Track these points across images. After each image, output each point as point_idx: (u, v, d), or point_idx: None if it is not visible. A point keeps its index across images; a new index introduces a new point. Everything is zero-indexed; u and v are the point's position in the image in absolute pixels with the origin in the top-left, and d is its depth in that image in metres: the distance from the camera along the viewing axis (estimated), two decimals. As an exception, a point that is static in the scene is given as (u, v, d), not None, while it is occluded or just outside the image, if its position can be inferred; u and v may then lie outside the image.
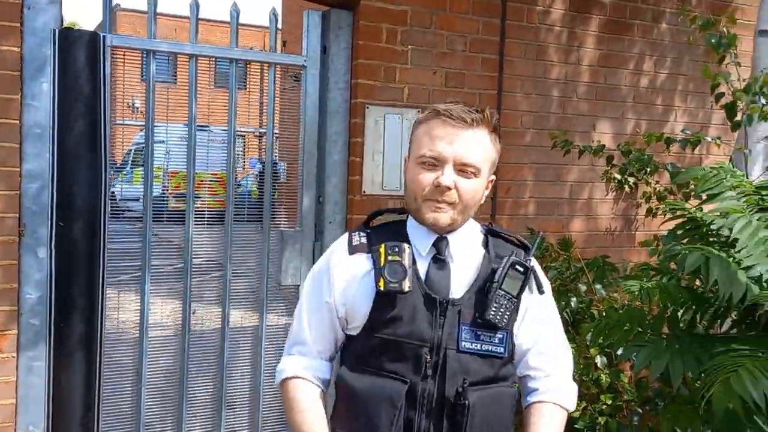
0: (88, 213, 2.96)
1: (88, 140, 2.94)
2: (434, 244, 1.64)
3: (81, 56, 2.91)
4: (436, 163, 1.57)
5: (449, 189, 1.57)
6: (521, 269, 1.60)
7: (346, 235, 1.73)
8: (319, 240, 3.45)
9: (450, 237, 1.65)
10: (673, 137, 3.55)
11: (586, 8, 3.89)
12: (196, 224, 3.27)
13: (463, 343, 1.57)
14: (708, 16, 3.52)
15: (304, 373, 1.70)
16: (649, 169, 3.45)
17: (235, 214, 3.33)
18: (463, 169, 1.57)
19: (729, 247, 2.11)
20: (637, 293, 2.15)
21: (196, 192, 3.27)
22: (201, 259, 3.40)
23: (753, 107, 2.96)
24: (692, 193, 3.15)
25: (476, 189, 1.61)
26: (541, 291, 1.66)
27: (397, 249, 1.58)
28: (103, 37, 2.95)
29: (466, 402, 1.54)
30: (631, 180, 3.80)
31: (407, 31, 3.45)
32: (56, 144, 2.89)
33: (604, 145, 3.56)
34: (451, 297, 1.59)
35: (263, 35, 3.34)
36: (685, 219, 2.38)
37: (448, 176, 1.56)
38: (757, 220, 2.03)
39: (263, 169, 3.46)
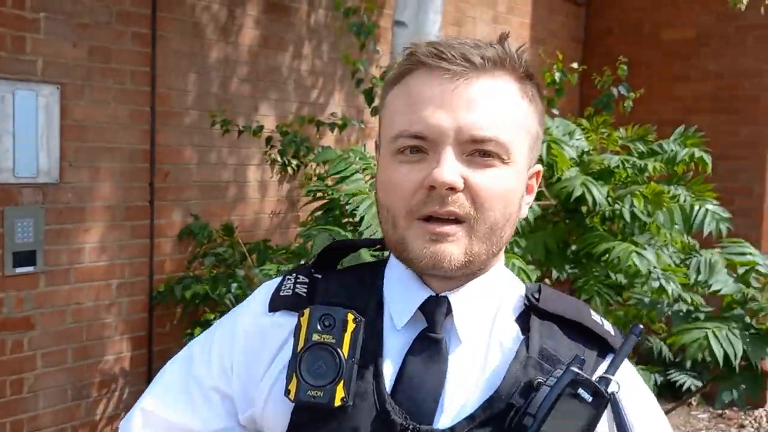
0: None
1: None
2: (422, 310, 0.90)
3: None
4: (423, 146, 0.85)
5: (454, 190, 0.83)
6: (588, 396, 0.82)
7: (277, 279, 0.99)
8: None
9: (456, 296, 0.89)
10: (323, 120, 3.58)
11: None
12: None
13: None
14: (357, 4, 3.60)
15: None
16: (302, 152, 3.44)
17: None
18: (477, 150, 0.84)
19: (358, 227, 2.13)
20: (274, 276, 2.07)
21: None
22: None
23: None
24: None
25: (508, 188, 0.86)
26: None
27: (328, 322, 0.87)
28: None
29: None
30: (294, 162, 3.77)
31: (38, -3, 2.99)
32: None
33: (262, 126, 3.46)
34: (435, 427, 0.84)
35: None
36: (327, 200, 2.36)
37: (449, 166, 0.83)
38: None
39: None
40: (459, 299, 0.89)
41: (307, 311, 0.88)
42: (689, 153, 2.50)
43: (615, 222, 2.44)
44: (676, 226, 2.29)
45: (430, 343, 0.88)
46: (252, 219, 3.83)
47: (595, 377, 0.84)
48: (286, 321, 0.92)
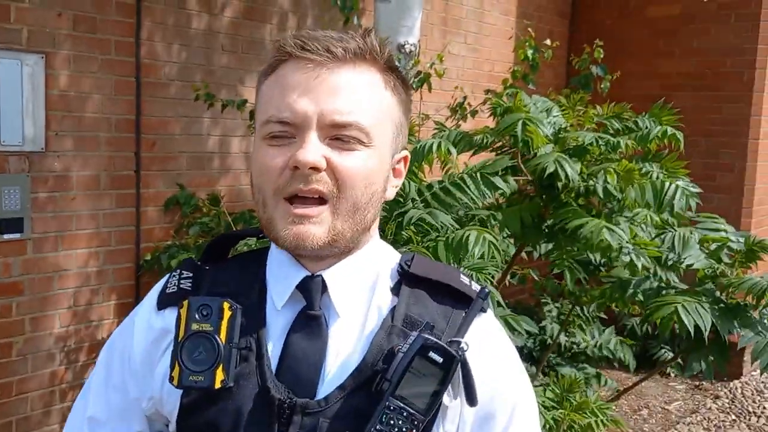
0: None
1: None
2: (299, 288, 0.93)
3: None
4: (288, 131, 0.88)
5: (317, 170, 0.86)
6: (438, 358, 0.86)
7: (164, 279, 1.02)
8: None
9: (329, 273, 0.93)
10: None
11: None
12: None
13: None
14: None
15: None
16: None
17: None
18: (338, 135, 0.88)
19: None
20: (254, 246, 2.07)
21: None
22: None
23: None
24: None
25: (369, 168, 0.90)
26: (472, 402, 0.89)
27: (206, 313, 0.89)
28: None
29: None
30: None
31: (20, -36, 2.92)
32: None
33: (245, 100, 3.42)
34: (307, 399, 0.88)
35: None
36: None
37: (311, 147, 0.86)
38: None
39: None
40: (333, 276, 0.93)
41: (186, 303, 0.91)
42: (662, 131, 2.49)
43: (591, 198, 2.43)
44: (647, 202, 2.29)
45: (309, 320, 0.92)
46: (237, 190, 3.80)
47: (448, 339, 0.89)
48: (173, 315, 0.94)
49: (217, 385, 0.87)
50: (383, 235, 2.00)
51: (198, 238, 3.36)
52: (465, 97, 3.65)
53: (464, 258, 1.90)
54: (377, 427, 0.84)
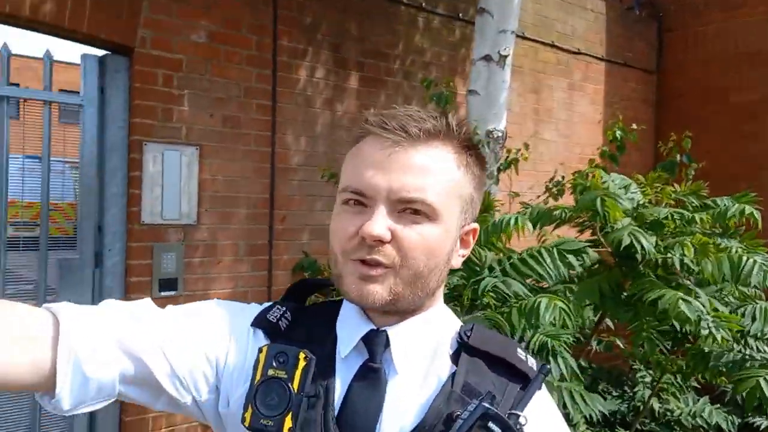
0: None
1: None
2: (364, 340, 0.89)
3: None
4: (363, 201, 0.86)
5: (381, 241, 0.84)
6: (497, 429, 0.79)
7: (266, 304, 0.97)
8: (99, 267, 3.08)
9: (393, 330, 0.89)
10: None
11: (345, 66, 3.87)
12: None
13: None
14: (439, 79, 3.60)
15: (78, 320, 0.82)
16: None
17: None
18: (405, 209, 0.85)
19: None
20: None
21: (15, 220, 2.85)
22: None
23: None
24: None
25: (433, 241, 0.86)
26: None
27: (282, 360, 0.84)
28: None
29: None
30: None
31: (183, 77, 3.21)
32: None
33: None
34: None
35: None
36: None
37: (378, 220, 0.84)
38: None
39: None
40: (396, 333, 0.89)
41: (265, 348, 0.85)
42: (739, 209, 2.29)
43: (674, 270, 2.26)
44: (724, 275, 2.09)
45: (370, 372, 0.87)
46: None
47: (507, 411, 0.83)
48: (258, 342, 0.90)
49: (285, 431, 0.82)
50: (460, 300, 1.93)
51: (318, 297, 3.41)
52: (563, 176, 3.55)
53: (537, 324, 1.79)
54: None
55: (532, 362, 0.91)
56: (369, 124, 0.88)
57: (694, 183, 2.57)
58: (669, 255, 2.14)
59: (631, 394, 4.18)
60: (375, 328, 0.89)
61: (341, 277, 0.87)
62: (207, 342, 0.89)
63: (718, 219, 2.31)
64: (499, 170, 2.96)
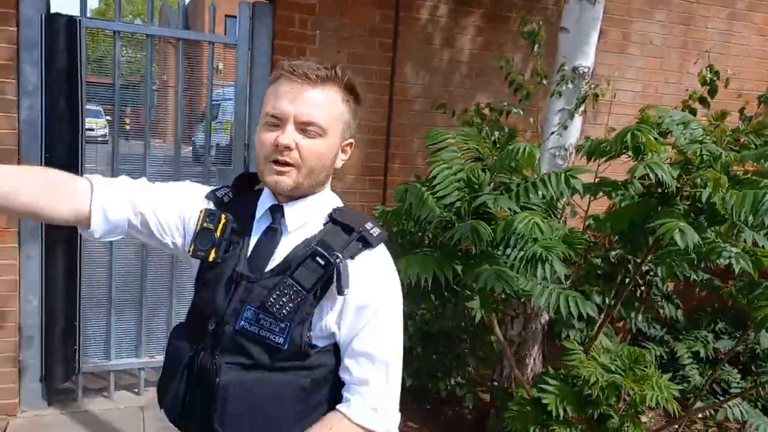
0: (69, 146, 3.48)
1: (67, 99, 3.42)
2: (270, 210, 1.34)
3: (62, 35, 3.39)
4: (277, 122, 1.26)
5: (289, 149, 1.24)
6: (321, 262, 1.22)
7: (220, 184, 1.45)
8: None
9: (287, 206, 1.32)
10: (494, 107, 3.67)
11: (466, 2, 4.11)
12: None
13: (242, 322, 1.26)
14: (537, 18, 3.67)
15: (104, 190, 1.34)
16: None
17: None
18: (305, 128, 1.25)
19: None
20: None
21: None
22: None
23: (556, 88, 3.20)
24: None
25: (322, 151, 1.28)
26: (340, 292, 1.22)
27: (211, 217, 1.32)
28: (79, 20, 3.42)
29: (218, 380, 1.25)
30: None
31: (315, 20, 3.79)
32: (44, 101, 3.37)
33: (466, 109, 3.74)
34: (250, 273, 1.28)
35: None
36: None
37: (287, 135, 1.24)
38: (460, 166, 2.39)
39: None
40: (289, 207, 1.33)
41: (204, 210, 1.34)
42: (784, 148, 2.24)
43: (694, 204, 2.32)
44: (743, 210, 2.12)
45: (270, 230, 1.34)
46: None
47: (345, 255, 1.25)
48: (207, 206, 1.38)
49: (209, 259, 1.31)
50: (458, 210, 2.27)
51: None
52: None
53: (513, 233, 2.08)
54: (277, 292, 1.23)
55: (376, 231, 1.32)
56: (283, 69, 1.27)
57: (758, 122, 2.49)
58: (686, 190, 2.21)
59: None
60: (277, 203, 1.33)
61: (263, 173, 1.29)
62: (180, 206, 1.39)
63: (757, 160, 2.27)
64: (577, 105, 3.10)
